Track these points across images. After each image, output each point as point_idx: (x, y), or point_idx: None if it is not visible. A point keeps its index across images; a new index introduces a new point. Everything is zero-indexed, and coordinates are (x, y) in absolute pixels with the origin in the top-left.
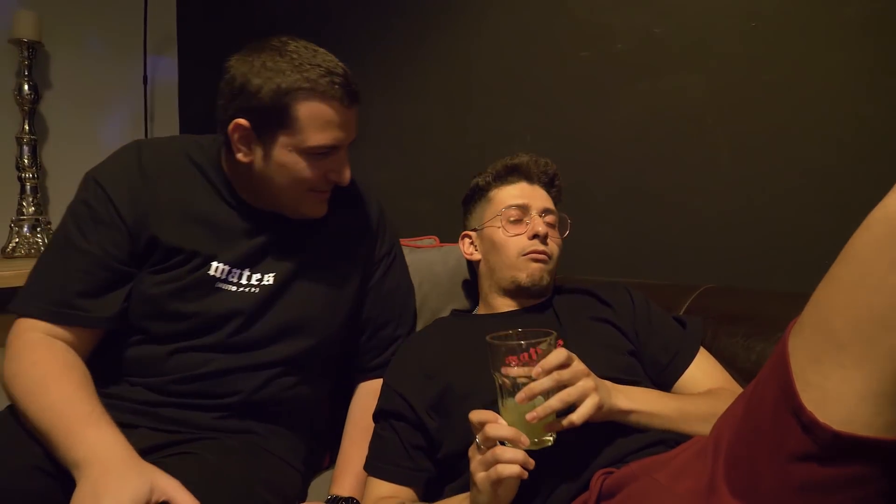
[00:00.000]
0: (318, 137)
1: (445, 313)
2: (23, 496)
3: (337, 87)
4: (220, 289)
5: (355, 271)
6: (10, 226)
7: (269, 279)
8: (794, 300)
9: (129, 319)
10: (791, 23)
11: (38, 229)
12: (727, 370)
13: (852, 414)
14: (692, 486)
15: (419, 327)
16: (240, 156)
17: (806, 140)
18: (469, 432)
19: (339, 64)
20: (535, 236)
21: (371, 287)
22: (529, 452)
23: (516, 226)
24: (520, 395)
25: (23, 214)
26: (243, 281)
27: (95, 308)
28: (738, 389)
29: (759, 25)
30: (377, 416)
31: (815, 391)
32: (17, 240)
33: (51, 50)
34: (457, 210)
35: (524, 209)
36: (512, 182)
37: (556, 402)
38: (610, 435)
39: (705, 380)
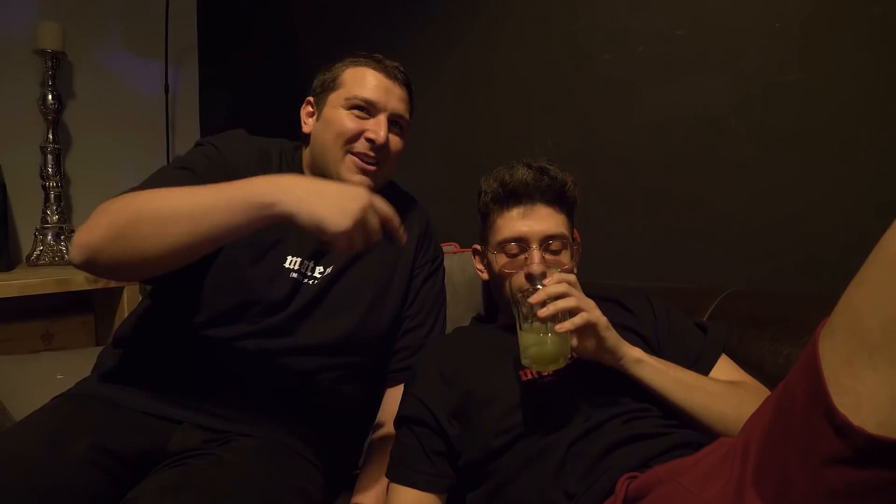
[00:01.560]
0: (357, 89)
1: (465, 321)
2: (74, 488)
3: (381, 62)
4: (293, 279)
5: (403, 270)
6: (35, 234)
7: (328, 270)
8: (822, 303)
9: (197, 296)
10: (816, 23)
11: (62, 237)
12: (753, 376)
13: (886, 417)
14: (720, 492)
15: None
16: (305, 128)
17: (832, 141)
18: (489, 440)
19: (398, 62)
20: (529, 277)
21: (413, 287)
22: (540, 399)
23: (515, 261)
24: (536, 297)
25: (47, 223)
26: (308, 272)
27: None
28: (763, 388)
29: (782, 26)
30: (398, 423)
31: (847, 394)
32: (41, 248)
33: (74, 60)
34: (474, 216)
35: (523, 242)
36: (511, 207)
37: (563, 303)
38: (632, 438)
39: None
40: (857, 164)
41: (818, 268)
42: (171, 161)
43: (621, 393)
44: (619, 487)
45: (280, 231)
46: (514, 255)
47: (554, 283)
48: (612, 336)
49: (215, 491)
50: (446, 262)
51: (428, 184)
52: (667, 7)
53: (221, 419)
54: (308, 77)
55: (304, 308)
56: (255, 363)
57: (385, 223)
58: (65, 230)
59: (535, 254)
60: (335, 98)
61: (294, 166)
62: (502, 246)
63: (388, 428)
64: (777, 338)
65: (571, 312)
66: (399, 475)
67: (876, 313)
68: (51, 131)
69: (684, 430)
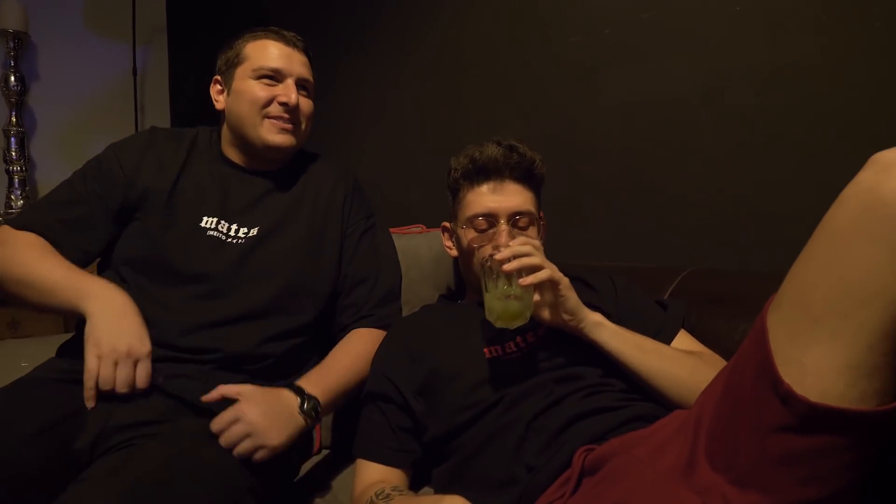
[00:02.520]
0: (261, 60)
1: (432, 298)
2: (23, 466)
3: (279, 32)
4: (211, 237)
5: (334, 229)
6: None
7: (253, 231)
8: (778, 280)
9: (119, 269)
10: (776, 6)
11: None
12: (711, 349)
13: (828, 386)
14: (673, 462)
15: (406, 312)
16: (217, 105)
17: (788, 121)
18: (454, 416)
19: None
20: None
21: (348, 246)
22: (507, 331)
23: (483, 235)
24: (502, 254)
25: (11, 208)
26: (231, 233)
27: (72, 237)
28: (720, 358)
29: (743, 9)
30: (365, 399)
31: (792, 365)
32: None
33: (38, 41)
34: (444, 199)
35: (492, 218)
36: (480, 183)
37: (528, 259)
38: (590, 412)
39: None
40: (811, 144)
41: (775, 247)
42: (83, 167)
43: (583, 368)
44: (575, 460)
45: (193, 191)
46: (483, 231)
47: (519, 244)
48: (572, 297)
49: (159, 471)
50: (413, 241)
51: (396, 168)
52: None
53: (166, 395)
54: None
55: (231, 269)
56: (197, 333)
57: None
58: None
59: (504, 228)
60: (242, 72)
61: (210, 149)
62: (472, 221)
63: (352, 346)
64: (734, 315)
65: (535, 269)
66: (365, 451)
67: (820, 287)
68: (14, 114)
69: (643, 402)
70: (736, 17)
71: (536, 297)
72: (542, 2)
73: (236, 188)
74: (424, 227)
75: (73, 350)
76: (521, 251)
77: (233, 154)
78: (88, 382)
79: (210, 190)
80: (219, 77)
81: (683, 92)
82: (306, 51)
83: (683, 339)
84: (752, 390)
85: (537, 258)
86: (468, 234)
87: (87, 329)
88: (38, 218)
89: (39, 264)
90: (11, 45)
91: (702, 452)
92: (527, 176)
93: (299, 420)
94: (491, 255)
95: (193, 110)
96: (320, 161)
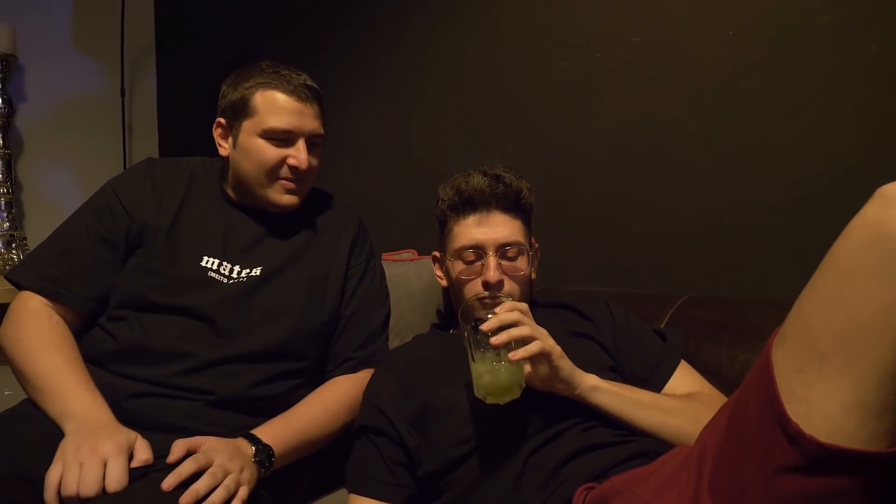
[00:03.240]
0: (272, 120)
1: (422, 328)
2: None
3: (291, 82)
4: (212, 279)
5: (338, 272)
6: None
7: (256, 271)
8: (778, 308)
9: (119, 308)
10: (769, 31)
11: (14, 245)
12: (711, 381)
13: (837, 426)
14: (675, 501)
15: (397, 343)
16: (221, 151)
17: (786, 148)
18: (448, 450)
19: (303, 75)
20: (486, 285)
21: (348, 288)
22: (499, 408)
23: (472, 267)
24: (489, 324)
25: None
26: (233, 274)
27: (80, 288)
28: (720, 396)
29: (736, 34)
30: (357, 433)
31: (799, 403)
32: None
33: (25, 63)
34: (435, 222)
35: (479, 250)
36: (467, 214)
37: (517, 331)
38: (590, 447)
39: (686, 390)
40: (810, 171)
41: (774, 273)
42: (81, 208)
43: (579, 402)
44: (576, 498)
45: (193, 228)
46: (471, 262)
47: (506, 310)
48: (566, 365)
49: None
50: (403, 269)
51: (387, 191)
52: (624, 14)
53: (158, 433)
54: None
55: (232, 310)
56: (195, 373)
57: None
58: (16, 238)
59: (492, 261)
60: (249, 126)
61: (209, 183)
62: (459, 253)
63: (326, 397)
64: (733, 343)
65: (525, 341)
66: (358, 485)
67: (826, 322)
68: (1, 136)
69: (642, 438)
70: (729, 40)
71: (527, 367)
72: (534, 25)
73: (238, 227)
74: (416, 252)
75: None
76: (508, 319)
77: (235, 193)
78: (47, 495)
79: (211, 228)
80: (222, 120)
81: (677, 115)
82: (317, 98)
83: (683, 373)
84: (758, 428)
85: (527, 328)
86: (456, 266)
87: (60, 446)
88: (41, 274)
89: (37, 360)
90: None
91: (705, 491)
92: (514, 206)
93: (254, 469)
94: (476, 323)
95: (181, 131)
96: (325, 199)
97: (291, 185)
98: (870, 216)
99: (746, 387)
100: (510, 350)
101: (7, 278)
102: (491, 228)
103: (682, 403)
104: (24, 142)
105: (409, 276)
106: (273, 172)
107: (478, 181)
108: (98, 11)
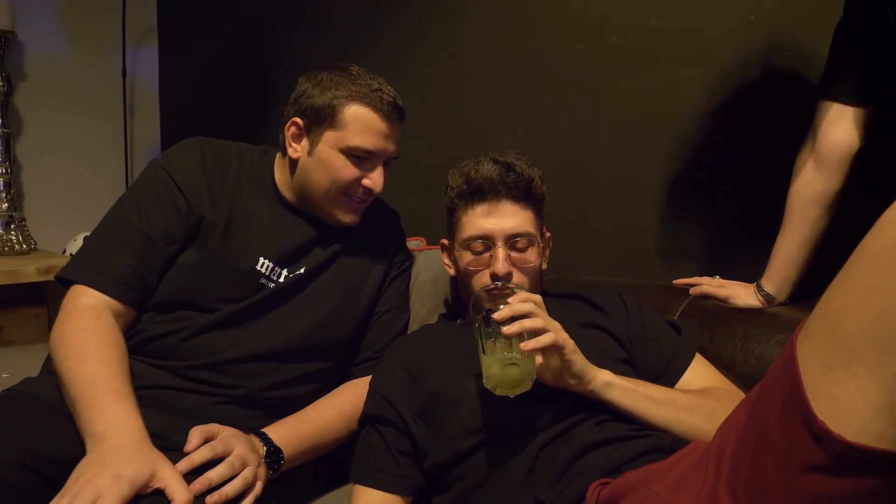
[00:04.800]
0: (359, 139)
1: (430, 320)
2: (3, 493)
3: (383, 100)
4: (262, 284)
5: (374, 281)
6: None
7: (299, 272)
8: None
9: (160, 303)
10: (791, 15)
11: (13, 226)
12: (726, 375)
13: (866, 425)
14: (693, 499)
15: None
16: (290, 151)
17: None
18: (456, 442)
19: (392, 90)
20: (494, 276)
21: (384, 287)
22: (509, 400)
23: (480, 258)
24: (501, 314)
25: None
26: (280, 279)
27: (139, 284)
28: (737, 391)
29: (757, 18)
30: (363, 422)
31: (826, 401)
32: None
33: (24, 40)
34: (444, 208)
35: (488, 240)
36: (476, 203)
37: (529, 322)
38: (604, 442)
39: (702, 385)
40: None
41: None
42: (129, 188)
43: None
44: (590, 494)
45: (246, 228)
46: (479, 253)
47: (519, 301)
48: (578, 360)
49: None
50: None
51: (396, 175)
52: None
53: (168, 427)
54: (270, 62)
55: (274, 310)
56: (225, 366)
57: None
58: (15, 219)
59: (500, 252)
60: (332, 138)
61: (259, 179)
62: (467, 243)
63: (339, 401)
64: (749, 336)
65: (537, 333)
66: (363, 476)
67: (857, 318)
68: (0, 115)
69: (658, 432)
70: (750, 24)
71: (539, 359)
72: (547, 8)
73: (289, 231)
74: (424, 241)
75: None
76: (521, 310)
77: (288, 193)
78: None
79: (263, 230)
80: (300, 121)
81: (694, 102)
82: (403, 118)
83: (699, 366)
84: (780, 425)
85: (540, 320)
86: (465, 257)
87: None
88: (95, 268)
89: (73, 366)
90: None
91: (724, 489)
92: (525, 195)
93: (265, 467)
94: (488, 313)
95: (184, 112)
96: (373, 205)
97: (359, 206)
98: None
99: (768, 383)
100: (521, 341)
101: (58, 278)
102: (500, 219)
103: (698, 399)
104: (23, 121)
105: (417, 268)
106: (345, 190)
107: (488, 169)
108: None
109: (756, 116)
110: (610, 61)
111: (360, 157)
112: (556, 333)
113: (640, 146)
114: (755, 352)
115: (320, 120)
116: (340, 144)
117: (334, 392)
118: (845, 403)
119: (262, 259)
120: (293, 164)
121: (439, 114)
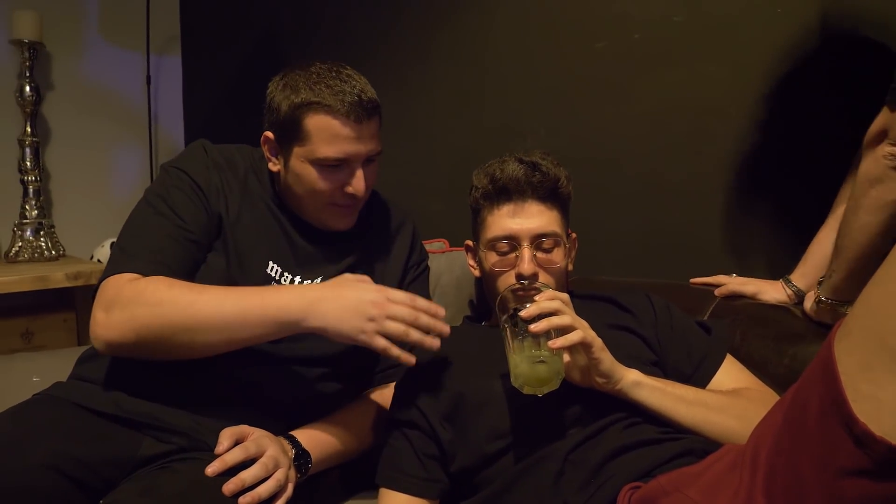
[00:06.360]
0: (325, 150)
1: (454, 322)
2: (33, 496)
3: (345, 103)
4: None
5: (391, 277)
6: (13, 230)
7: (316, 281)
8: None
9: None
10: (817, 7)
11: (42, 233)
12: (758, 376)
13: None
14: (727, 503)
15: None
16: (270, 165)
17: (836, 128)
18: (482, 445)
19: (359, 83)
20: (519, 277)
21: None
22: (537, 402)
23: (505, 259)
24: (528, 311)
25: (26, 218)
26: (288, 283)
27: (187, 278)
28: (769, 392)
29: (785, 11)
30: (389, 426)
31: (867, 401)
32: (20, 244)
33: (52, 51)
34: (467, 209)
35: (513, 241)
36: (501, 204)
37: (557, 319)
38: (634, 445)
39: (733, 386)
40: None
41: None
42: (147, 193)
43: (619, 398)
44: (621, 499)
45: (255, 231)
46: (505, 254)
47: (547, 299)
48: (606, 358)
49: (198, 491)
50: (434, 263)
51: (418, 177)
52: None
53: (199, 427)
54: None
55: None
56: (243, 372)
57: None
58: (44, 225)
59: (526, 253)
60: (301, 152)
61: (262, 183)
62: (492, 244)
63: (367, 407)
64: (782, 337)
65: (565, 331)
66: (389, 480)
67: None
68: (29, 124)
69: (690, 435)
70: (777, 18)
71: (566, 357)
72: (567, 6)
73: (296, 236)
74: (447, 242)
75: (93, 372)
76: (548, 308)
77: (289, 203)
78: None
79: (270, 235)
80: (271, 135)
81: (720, 99)
82: (376, 111)
83: (730, 368)
84: (819, 427)
85: (568, 317)
86: (490, 258)
87: (332, 333)
88: (150, 259)
89: (200, 297)
90: (27, 55)
91: (760, 492)
92: (551, 195)
93: (294, 470)
94: (515, 311)
95: (207, 119)
96: (380, 201)
97: (346, 211)
98: None
99: (805, 383)
100: (549, 339)
101: (107, 275)
102: (526, 219)
103: (729, 400)
104: (51, 130)
105: (440, 271)
106: (328, 199)
107: (513, 169)
108: None
109: (783, 111)
110: (633, 58)
111: (333, 167)
112: (583, 331)
113: (665, 143)
114: (788, 352)
115: (287, 134)
116: (310, 157)
117: (361, 397)
118: (888, 404)
119: (271, 263)
120: (277, 176)
121: (461, 115)
